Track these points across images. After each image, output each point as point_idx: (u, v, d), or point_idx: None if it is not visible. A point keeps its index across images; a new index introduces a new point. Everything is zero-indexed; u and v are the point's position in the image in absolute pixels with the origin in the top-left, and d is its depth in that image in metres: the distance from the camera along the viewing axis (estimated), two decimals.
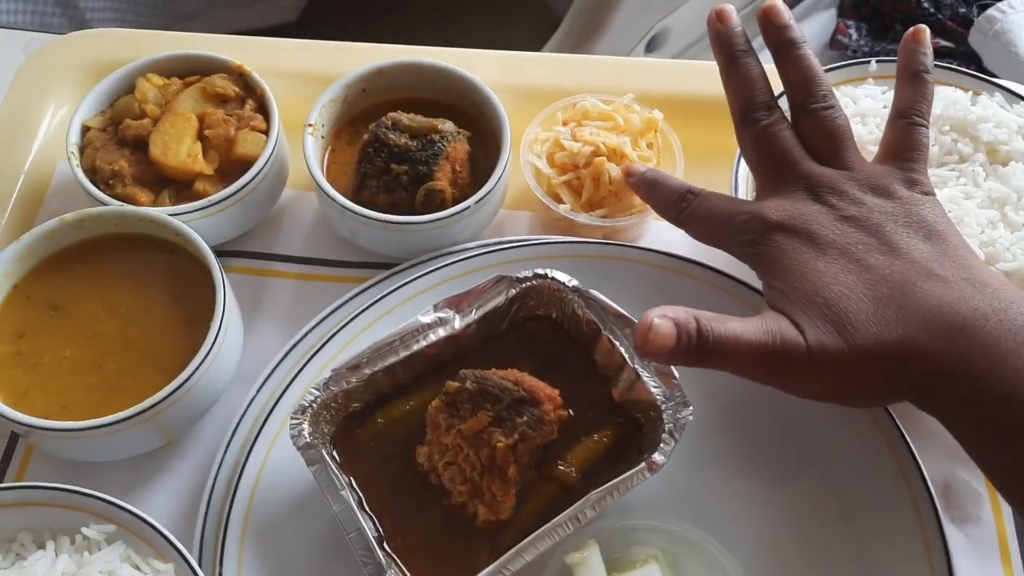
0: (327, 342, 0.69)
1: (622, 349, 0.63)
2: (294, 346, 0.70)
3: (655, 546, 0.60)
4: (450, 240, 0.75)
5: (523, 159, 0.77)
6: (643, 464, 0.58)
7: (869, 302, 0.55)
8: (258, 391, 0.68)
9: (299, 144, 0.76)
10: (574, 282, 0.65)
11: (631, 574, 0.57)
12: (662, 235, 0.78)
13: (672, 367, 0.61)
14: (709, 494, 0.64)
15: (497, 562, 0.55)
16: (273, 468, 0.64)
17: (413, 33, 0.87)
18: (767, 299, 0.59)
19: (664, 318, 0.54)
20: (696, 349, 0.55)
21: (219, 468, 0.65)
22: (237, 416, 0.67)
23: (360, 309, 0.70)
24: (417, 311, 0.66)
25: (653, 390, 0.61)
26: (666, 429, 0.60)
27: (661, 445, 0.59)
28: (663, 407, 0.61)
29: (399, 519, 0.61)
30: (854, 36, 1.49)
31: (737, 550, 0.60)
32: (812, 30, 1.47)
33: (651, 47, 1.31)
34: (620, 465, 0.60)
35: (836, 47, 1.51)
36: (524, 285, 0.66)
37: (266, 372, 0.69)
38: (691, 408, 0.60)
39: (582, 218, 0.74)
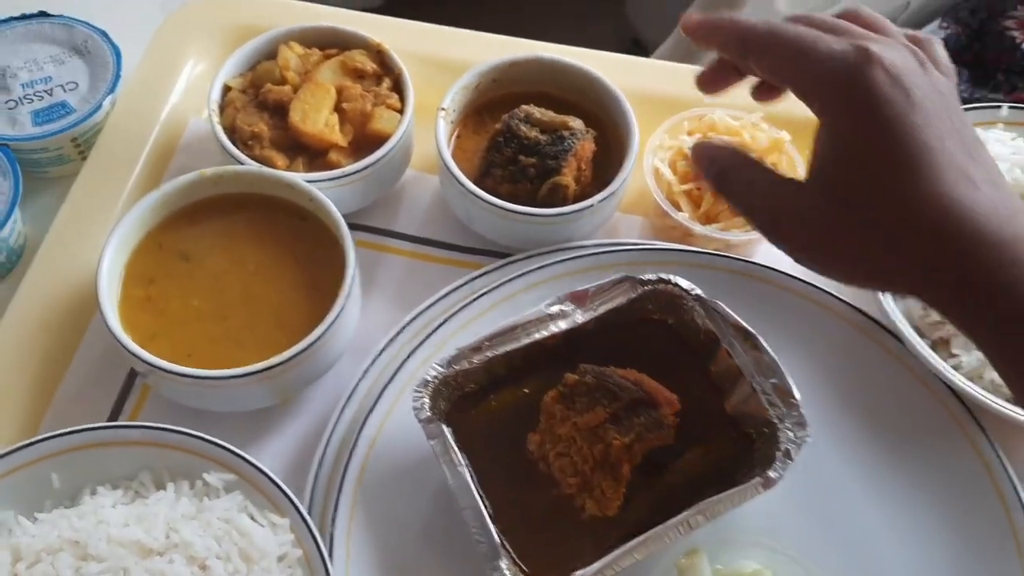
0: (443, 324, 0.70)
1: (739, 362, 0.64)
2: (408, 323, 0.72)
3: (756, 561, 0.61)
4: (564, 236, 0.76)
5: (646, 164, 0.77)
6: (758, 479, 0.58)
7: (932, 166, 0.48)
8: (372, 363, 0.70)
9: (423, 126, 0.78)
10: (696, 291, 0.66)
11: None
12: (777, 255, 0.78)
13: (793, 387, 0.62)
14: (813, 516, 0.64)
15: (608, 557, 0.56)
16: (386, 438, 0.66)
17: (490, 25, 0.89)
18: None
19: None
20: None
21: (331, 433, 0.67)
22: (351, 384, 0.68)
23: (477, 294, 0.71)
24: (530, 303, 0.67)
25: (769, 407, 0.62)
26: (781, 448, 0.60)
27: (776, 463, 0.59)
28: (779, 425, 0.61)
29: (504, 502, 0.61)
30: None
31: (838, 571, 0.60)
32: None
33: None
34: (727, 477, 0.61)
35: None
36: (646, 288, 0.67)
37: (380, 346, 0.71)
38: (809, 430, 0.60)
39: (699, 228, 0.75)
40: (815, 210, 0.52)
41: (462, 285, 0.74)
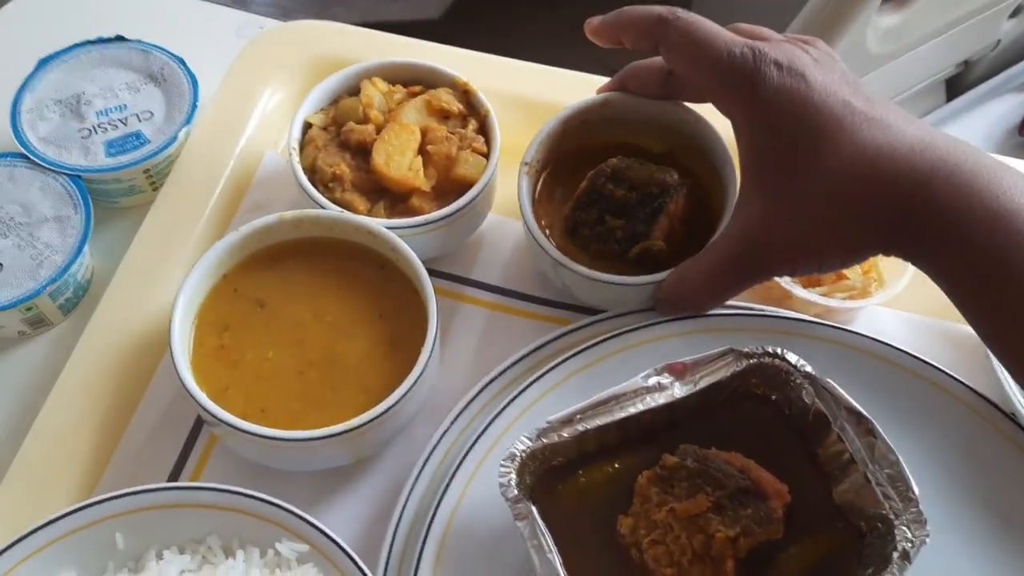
0: (528, 387, 0.66)
1: (851, 448, 0.59)
2: (489, 383, 0.68)
3: None
4: None
5: None
6: None
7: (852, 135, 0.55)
8: (451, 425, 0.66)
9: (506, 167, 0.74)
10: (806, 367, 0.61)
11: None
12: (879, 324, 0.73)
13: (911, 480, 0.57)
14: None
15: None
16: (466, 509, 0.62)
17: (549, 46, 0.85)
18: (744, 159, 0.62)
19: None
20: None
21: (407, 500, 0.63)
22: (429, 447, 0.65)
23: (565, 355, 0.67)
24: (621, 366, 0.63)
25: (884, 500, 0.57)
26: (898, 548, 0.55)
27: (892, 565, 0.55)
28: (895, 521, 0.56)
29: None
30: None
31: None
32: (1000, 111, 1.40)
33: None
34: (837, 573, 0.57)
35: None
36: (751, 361, 0.62)
37: (459, 407, 0.67)
38: (928, 530, 0.56)
39: (800, 292, 0.71)
40: (754, 215, 0.60)
41: (547, 343, 0.70)
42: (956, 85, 1.46)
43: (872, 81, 1.31)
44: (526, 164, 0.72)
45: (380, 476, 0.67)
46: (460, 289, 0.76)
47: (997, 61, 1.45)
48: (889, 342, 0.67)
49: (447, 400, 0.68)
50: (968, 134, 1.36)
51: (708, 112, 0.73)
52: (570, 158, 0.75)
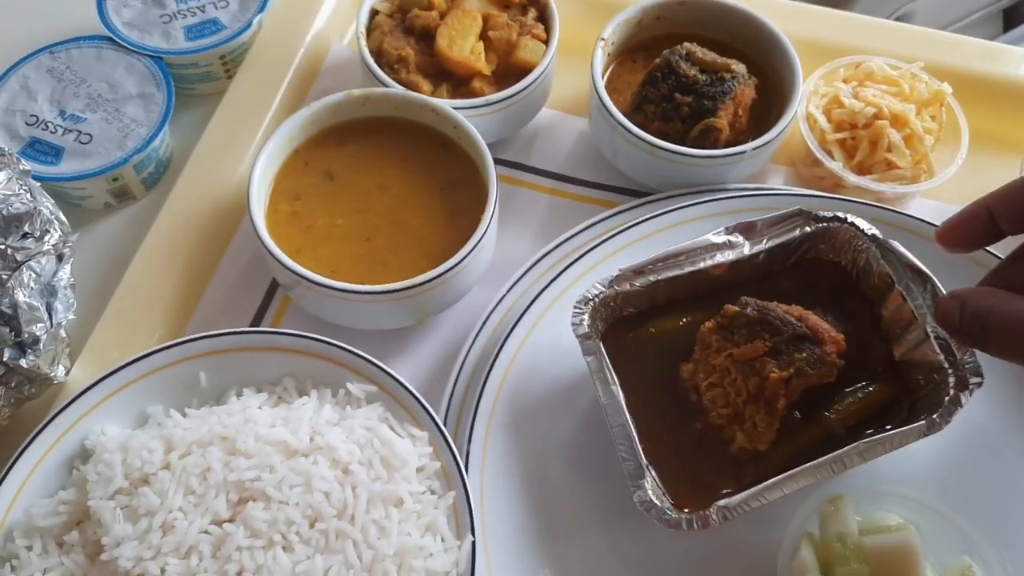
0: (582, 256, 0.69)
1: (914, 306, 0.61)
2: (547, 254, 0.71)
3: (898, 514, 0.58)
4: (709, 180, 0.74)
5: (800, 109, 0.74)
6: (923, 422, 0.56)
7: None
8: (509, 290, 0.70)
9: (563, 63, 0.76)
10: (873, 230, 0.63)
11: (887, 536, 0.55)
12: (930, 209, 0.75)
13: None
14: (966, 471, 0.62)
15: (756, 488, 0.55)
16: (523, 361, 0.65)
17: None
18: None
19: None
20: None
21: (467, 353, 0.67)
22: (488, 308, 0.68)
23: (616, 230, 0.70)
24: (672, 241, 0.66)
25: (942, 353, 0.59)
26: (950, 393, 0.57)
27: (942, 408, 0.57)
28: (949, 371, 0.58)
29: (652, 427, 0.60)
30: None
31: (985, 527, 0.57)
32: None
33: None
34: (886, 423, 0.59)
35: None
36: (820, 225, 0.64)
37: (519, 272, 0.70)
38: (981, 378, 0.58)
39: (853, 178, 0.72)
40: None
41: (600, 220, 0.73)
42: (1014, 15, 1.43)
43: (928, 10, 1.29)
44: (602, 40, 0.75)
45: (441, 339, 0.71)
46: (517, 175, 0.79)
47: None
48: (934, 222, 0.68)
49: (503, 274, 0.71)
50: None
51: (774, 17, 0.75)
52: (640, 49, 0.79)
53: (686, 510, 0.56)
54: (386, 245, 0.69)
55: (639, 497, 0.55)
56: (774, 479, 0.55)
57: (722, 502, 0.55)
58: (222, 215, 0.74)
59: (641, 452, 0.56)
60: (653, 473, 0.57)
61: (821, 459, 0.55)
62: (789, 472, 0.55)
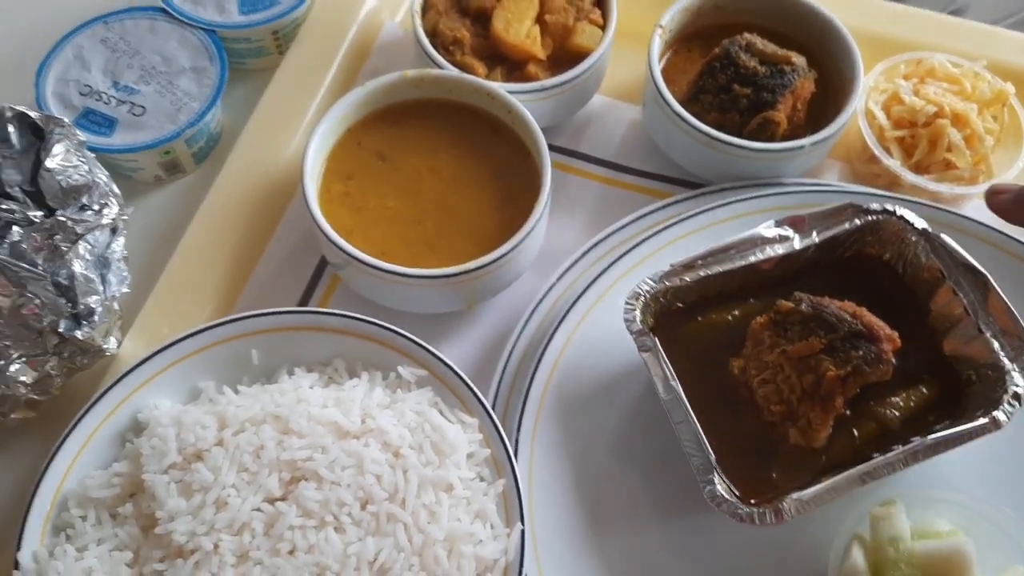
0: (635, 247, 0.69)
1: (965, 301, 0.60)
2: (598, 243, 0.71)
3: (951, 520, 0.58)
4: (763, 174, 0.73)
5: (859, 105, 0.73)
6: (986, 420, 0.56)
7: None
8: (559, 278, 0.69)
9: (617, 50, 0.76)
10: (923, 224, 0.63)
11: (939, 543, 0.55)
12: (985, 210, 0.73)
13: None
14: (1017, 473, 0.61)
15: (832, 481, 0.55)
16: (573, 351, 0.65)
17: None
18: None
19: None
20: None
21: (516, 340, 0.67)
22: (538, 297, 0.68)
23: (669, 222, 0.70)
24: (727, 236, 0.65)
25: (998, 350, 0.59)
26: (1009, 391, 0.57)
27: (1003, 406, 0.57)
28: (1008, 367, 0.58)
29: (707, 423, 0.60)
30: None
31: None
32: None
33: None
34: (938, 420, 0.59)
35: None
36: (869, 218, 0.64)
37: (570, 261, 0.70)
38: None
39: (911, 177, 0.71)
40: None
41: (653, 211, 0.72)
42: None
43: (983, 3, 1.26)
44: (660, 27, 0.74)
45: (490, 325, 0.71)
46: (568, 161, 0.78)
47: None
48: (995, 226, 0.68)
49: (554, 261, 0.71)
50: None
51: (834, 9, 0.74)
52: (697, 37, 0.77)
53: (752, 501, 0.55)
54: (436, 229, 0.68)
55: (710, 492, 0.55)
56: (849, 472, 0.55)
57: (795, 495, 0.55)
58: (273, 193, 0.74)
59: (709, 447, 0.56)
60: (717, 467, 0.57)
61: (886, 456, 0.55)
62: (861, 466, 0.55)
